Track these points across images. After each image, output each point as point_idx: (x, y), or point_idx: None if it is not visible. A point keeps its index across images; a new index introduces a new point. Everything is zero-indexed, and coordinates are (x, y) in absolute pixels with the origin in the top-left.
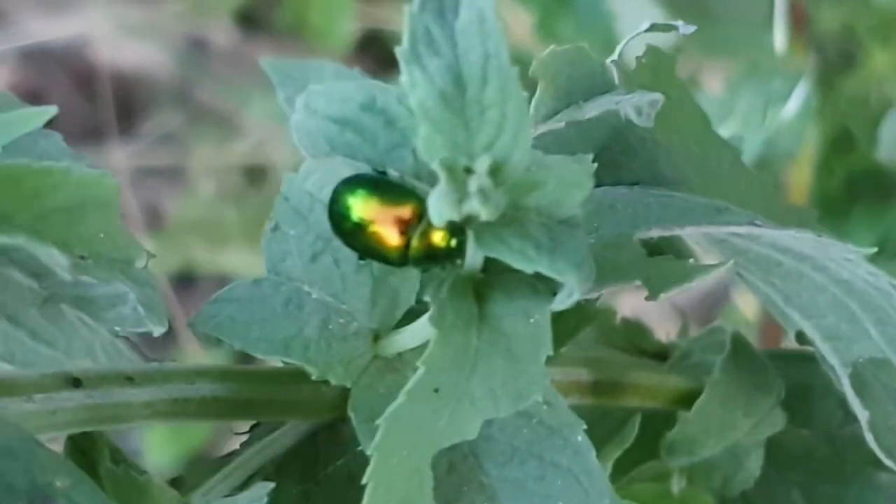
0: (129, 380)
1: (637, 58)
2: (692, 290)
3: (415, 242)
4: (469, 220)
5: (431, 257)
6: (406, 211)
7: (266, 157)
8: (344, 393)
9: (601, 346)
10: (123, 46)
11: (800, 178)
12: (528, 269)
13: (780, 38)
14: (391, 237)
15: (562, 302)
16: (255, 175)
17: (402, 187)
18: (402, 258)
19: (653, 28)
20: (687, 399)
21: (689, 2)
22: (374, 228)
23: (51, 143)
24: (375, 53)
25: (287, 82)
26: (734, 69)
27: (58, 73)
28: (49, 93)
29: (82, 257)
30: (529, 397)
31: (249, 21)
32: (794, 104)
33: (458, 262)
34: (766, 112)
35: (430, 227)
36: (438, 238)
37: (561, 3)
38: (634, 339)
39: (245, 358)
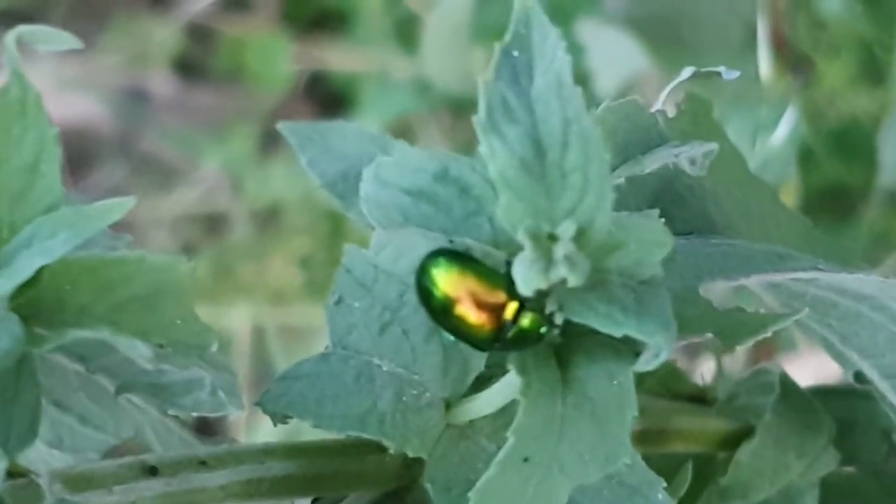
0: (203, 464)
1: (677, 104)
2: None
3: (507, 326)
4: (554, 287)
5: (523, 340)
6: (492, 288)
7: (216, 206)
8: (406, 461)
9: (641, 393)
10: (64, 102)
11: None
12: (617, 332)
13: (764, 63)
14: (480, 316)
15: (647, 363)
16: (208, 224)
17: (486, 265)
18: (492, 340)
19: (694, 75)
20: (731, 442)
21: (664, 32)
22: (462, 308)
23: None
24: (318, 95)
25: (307, 145)
26: (717, 98)
27: None
28: None
29: (160, 345)
30: (617, 460)
31: (187, 68)
32: (782, 130)
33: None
34: (756, 141)
35: (520, 309)
36: (530, 321)
37: None
38: (670, 382)
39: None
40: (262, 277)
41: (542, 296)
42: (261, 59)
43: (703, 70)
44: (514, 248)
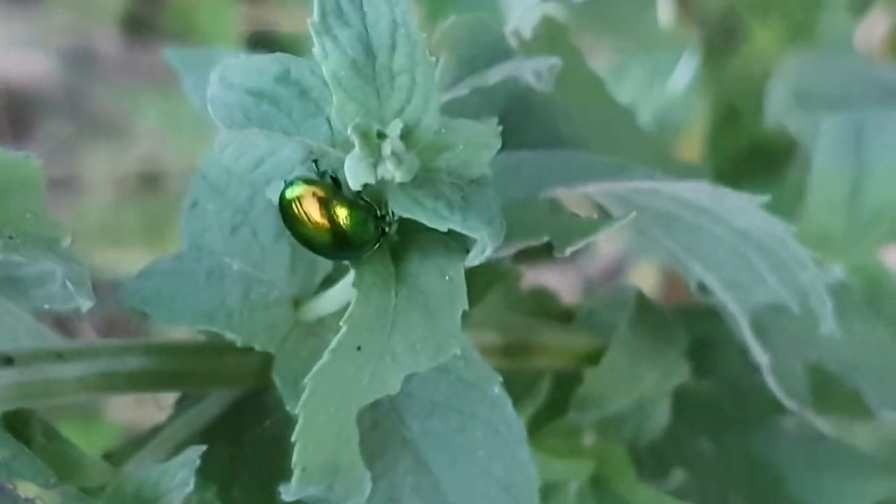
0: (60, 357)
1: (533, 28)
2: (590, 267)
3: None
4: (384, 183)
5: (361, 246)
6: (331, 196)
7: (160, 163)
8: (266, 361)
9: (509, 311)
10: (11, 58)
11: (690, 154)
12: (442, 226)
13: (664, 12)
14: (320, 217)
15: (475, 258)
16: (150, 180)
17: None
18: (332, 246)
19: None
20: (595, 357)
21: None
22: (305, 209)
23: None
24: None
25: (192, 70)
26: (619, 44)
27: None
28: None
29: (10, 237)
30: (448, 351)
31: (136, 26)
32: (682, 78)
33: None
34: (652, 85)
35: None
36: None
37: None
38: (540, 302)
39: None
40: None
41: (373, 194)
42: (211, 18)
43: None
44: (349, 148)
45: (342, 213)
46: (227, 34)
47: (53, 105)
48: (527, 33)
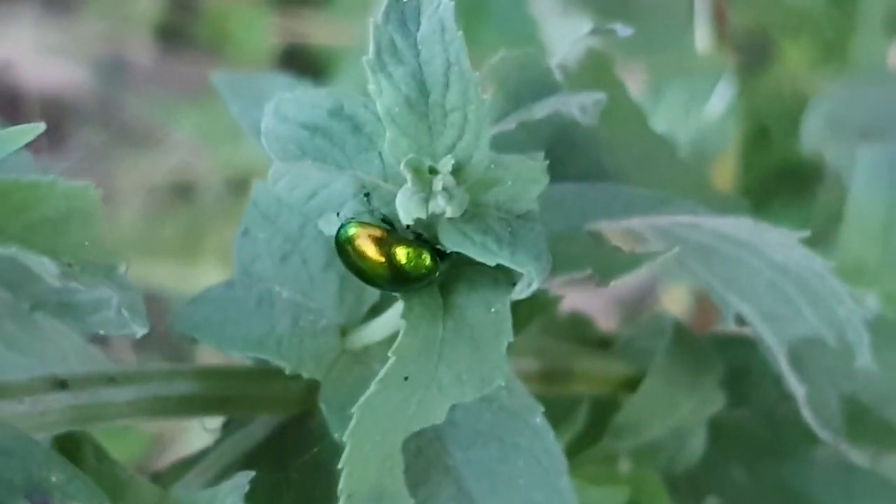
0: (112, 380)
1: (578, 60)
2: (620, 288)
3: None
4: (434, 217)
5: (416, 280)
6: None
7: (192, 173)
8: (311, 387)
9: (547, 336)
10: (45, 67)
11: (723, 174)
12: (491, 261)
13: (701, 37)
14: (377, 255)
15: (521, 292)
16: (183, 191)
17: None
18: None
19: (593, 31)
20: (632, 384)
21: (611, 4)
22: (362, 248)
23: (19, 159)
24: (296, 68)
25: (238, 96)
26: (656, 69)
27: None
28: None
29: (69, 265)
30: (493, 382)
31: (169, 36)
32: (719, 102)
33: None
34: (689, 111)
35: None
36: (427, 259)
37: (481, 12)
38: (578, 329)
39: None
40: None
41: (423, 227)
42: (244, 30)
43: (602, 27)
44: (401, 182)
45: (400, 252)
46: (260, 45)
47: (86, 114)
48: (572, 66)
